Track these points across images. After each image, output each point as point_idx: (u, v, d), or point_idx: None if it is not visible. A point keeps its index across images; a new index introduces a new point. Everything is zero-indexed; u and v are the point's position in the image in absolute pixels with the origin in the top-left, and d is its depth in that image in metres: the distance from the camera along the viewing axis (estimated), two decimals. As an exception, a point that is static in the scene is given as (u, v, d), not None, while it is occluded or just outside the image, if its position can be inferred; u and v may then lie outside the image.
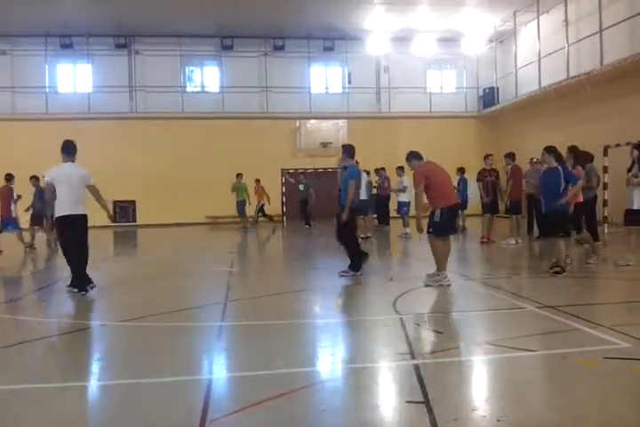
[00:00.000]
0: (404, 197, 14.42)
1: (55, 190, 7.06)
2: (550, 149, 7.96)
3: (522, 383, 3.74)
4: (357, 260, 8.14)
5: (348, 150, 8.67)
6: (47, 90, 22.15)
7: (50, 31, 21.39)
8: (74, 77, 22.88)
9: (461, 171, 15.09)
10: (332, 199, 21.58)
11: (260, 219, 20.36)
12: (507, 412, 3.20)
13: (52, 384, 3.89)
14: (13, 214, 12.59)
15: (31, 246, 12.93)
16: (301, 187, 18.69)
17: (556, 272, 7.67)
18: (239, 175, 19.29)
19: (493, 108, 22.91)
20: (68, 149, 7.35)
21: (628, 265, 8.23)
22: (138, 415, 3.30)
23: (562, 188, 7.68)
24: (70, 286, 7.15)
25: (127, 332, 5.41)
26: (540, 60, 19.22)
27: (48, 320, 5.97)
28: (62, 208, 7.12)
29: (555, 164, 7.84)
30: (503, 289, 6.97)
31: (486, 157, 12.85)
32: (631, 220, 8.35)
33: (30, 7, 18.65)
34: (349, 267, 8.13)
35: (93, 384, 3.97)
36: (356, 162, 14.90)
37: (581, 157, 9.11)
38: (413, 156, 7.69)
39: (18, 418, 3.29)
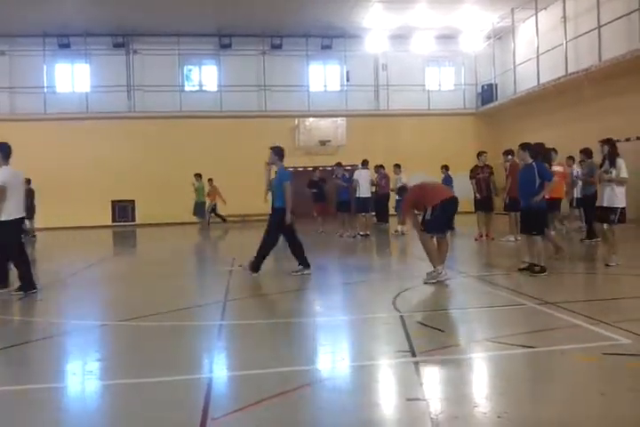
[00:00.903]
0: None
1: (5, 193, 6.94)
2: (525, 146, 7.92)
3: (522, 380, 3.75)
4: (260, 261, 8.26)
5: (277, 151, 8.42)
6: (45, 90, 22.16)
7: (48, 31, 21.39)
8: (72, 77, 22.87)
9: (446, 168, 14.97)
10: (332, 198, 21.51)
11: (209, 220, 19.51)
12: (507, 408, 3.20)
13: (52, 384, 3.89)
14: None
15: None
16: None
17: (534, 272, 7.51)
18: (198, 176, 18.74)
19: (492, 105, 22.92)
20: (8, 152, 7.35)
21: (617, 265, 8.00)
22: (139, 415, 3.30)
23: (537, 184, 7.59)
24: (22, 289, 7.08)
25: (127, 331, 5.41)
26: (538, 56, 19.22)
27: (47, 321, 5.96)
28: (18, 211, 7.15)
29: (530, 160, 7.78)
30: (502, 286, 6.98)
31: (480, 154, 12.84)
32: (601, 217, 8.26)
33: (28, 7, 18.63)
34: (299, 264, 8.31)
35: (94, 384, 3.97)
36: (366, 161, 14.92)
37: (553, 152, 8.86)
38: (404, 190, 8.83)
39: (20, 418, 3.28)
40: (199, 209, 18.79)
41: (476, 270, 8.65)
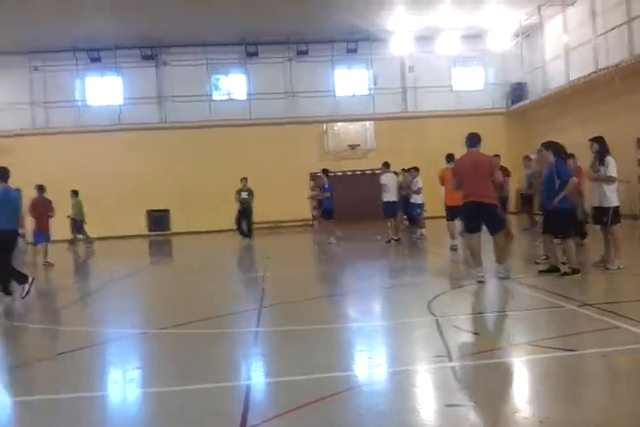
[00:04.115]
0: (417, 199, 14.22)
1: None
2: (548, 145, 7.75)
3: (563, 384, 3.69)
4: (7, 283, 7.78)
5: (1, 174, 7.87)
6: (79, 103, 22.71)
7: (78, 46, 21.93)
8: (104, 90, 23.39)
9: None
10: (363, 202, 21.51)
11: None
12: (548, 413, 3.16)
13: (94, 393, 3.98)
14: (49, 226, 12.66)
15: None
16: (244, 195, 15.96)
17: (564, 273, 7.36)
18: (74, 192, 17.22)
19: (522, 104, 22.62)
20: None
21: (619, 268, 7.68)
22: (179, 422, 3.35)
23: (557, 185, 7.42)
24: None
25: (165, 339, 5.50)
26: (567, 53, 18.90)
27: (89, 330, 6.09)
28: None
29: (552, 159, 7.61)
30: (540, 288, 6.86)
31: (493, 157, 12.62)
32: (595, 218, 7.96)
33: (59, 23, 19.16)
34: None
35: (135, 392, 4.05)
36: (387, 164, 14.79)
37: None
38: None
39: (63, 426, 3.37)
40: (78, 227, 17.32)
41: (512, 272, 8.52)
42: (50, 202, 12.70)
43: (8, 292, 7.69)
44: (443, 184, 11.36)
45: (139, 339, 5.63)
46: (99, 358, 5.03)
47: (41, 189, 12.73)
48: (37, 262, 12.56)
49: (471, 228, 7.50)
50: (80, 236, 17.65)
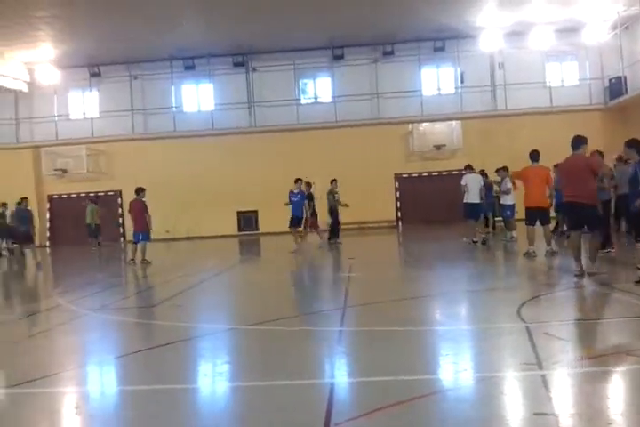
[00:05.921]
0: (507, 200, 13.71)
1: None
2: (630, 143, 7.27)
3: (664, 397, 3.48)
4: None
5: None
6: (174, 109, 23.87)
7: (174, 55, 23.05)
8: (197, 97, 24.44)
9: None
10: (450, 203, 21.20)
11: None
12: (646, 427, 3.00)
13: (187, 385, 4.18)
14: (148, 227, 13.36)
15: (133, 260, 13.32)
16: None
17: (638, 281, 6.79)
18: (92, 200, 19.54)
19: (621, 99, 21.37)
20: None
21: None
22: (264, 417, 3.44)
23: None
24: None
25: (252, 336, 5.67)
26: (673, 43, 17.67)
27: (180, 325, 6.38)
28: None
29: (637, 158, 7.15)
30: (639, 294, 6.47)
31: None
32: None
33: (157, 34, 20.25)
34: None
35: (223, 386, 4.21)
36: (469, 166, 14.44)
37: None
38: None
39: (154, 416, 3.56)
40: (93, 231, 19.17)
41: (609, 278, 8.09)
42: (144, 203, 13.39)
43: None
44: (523, 184, 10.94)
45: (228, 334, 5.85)
46: (192, 351, 5.27)
47: (137, 191, 13.48)
48: (136, 260, 13.29)
49: (571, 225, 8.17)
50: (100, 238, 19.47)
